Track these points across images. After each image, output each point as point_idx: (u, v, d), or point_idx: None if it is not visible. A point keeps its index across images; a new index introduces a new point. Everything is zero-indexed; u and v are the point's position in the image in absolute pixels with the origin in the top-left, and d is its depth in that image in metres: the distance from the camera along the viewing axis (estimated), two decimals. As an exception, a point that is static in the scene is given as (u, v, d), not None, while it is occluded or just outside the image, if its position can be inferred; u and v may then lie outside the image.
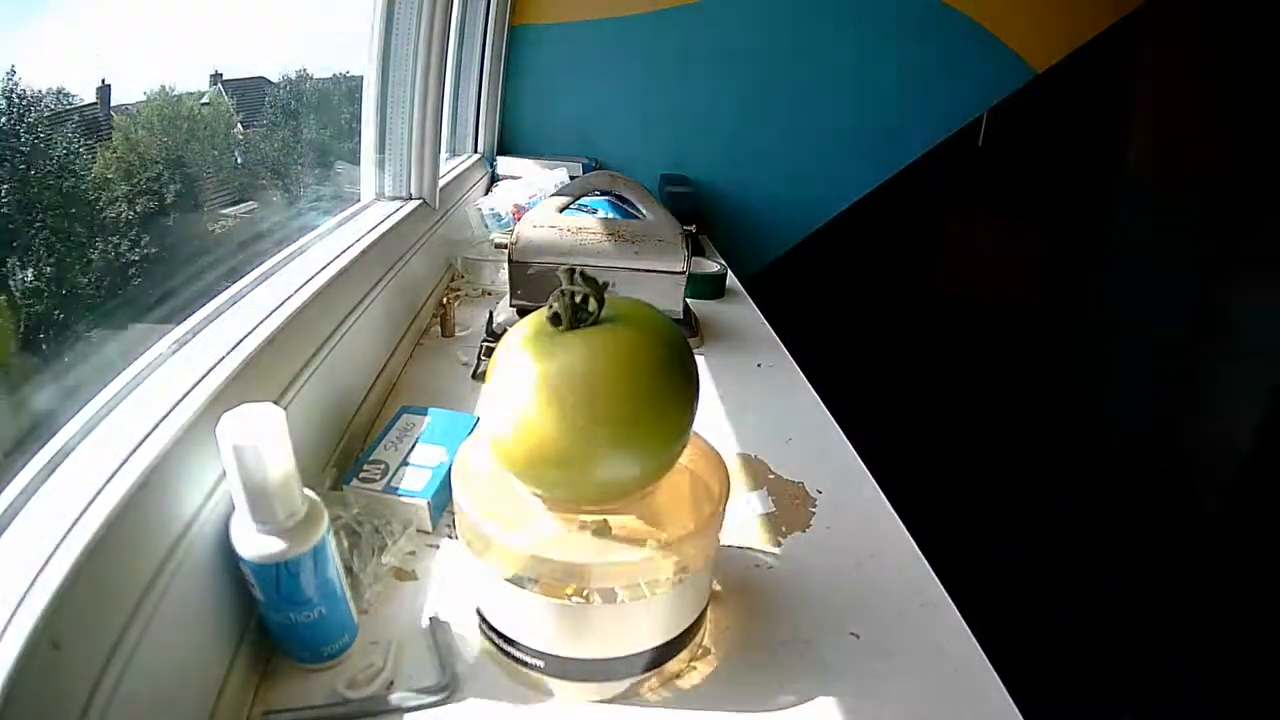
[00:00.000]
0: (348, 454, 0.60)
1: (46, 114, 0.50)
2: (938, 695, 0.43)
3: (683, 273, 0.87)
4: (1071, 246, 2.45)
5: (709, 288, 1.12)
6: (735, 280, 1.19)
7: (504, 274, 0.88)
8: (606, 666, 0.40)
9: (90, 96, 0.56)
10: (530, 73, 1.66)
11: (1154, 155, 2.21)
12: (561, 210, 0.88)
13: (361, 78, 0.92)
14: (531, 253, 0.85)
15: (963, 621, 0.48)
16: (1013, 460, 2.54)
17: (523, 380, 0.36)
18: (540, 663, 0.39)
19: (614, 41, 1.63)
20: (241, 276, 0.57)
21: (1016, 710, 0.41)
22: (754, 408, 0.77)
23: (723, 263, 1.23)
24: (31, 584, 0.26)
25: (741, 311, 1.08)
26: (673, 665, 0.42)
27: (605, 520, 0.38)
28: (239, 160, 0.79)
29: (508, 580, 0.38)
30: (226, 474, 0.35)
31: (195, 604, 0.35)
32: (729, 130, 1.70)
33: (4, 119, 0.46)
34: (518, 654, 0.40)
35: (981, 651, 0.46)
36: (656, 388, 0.36)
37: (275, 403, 0.36)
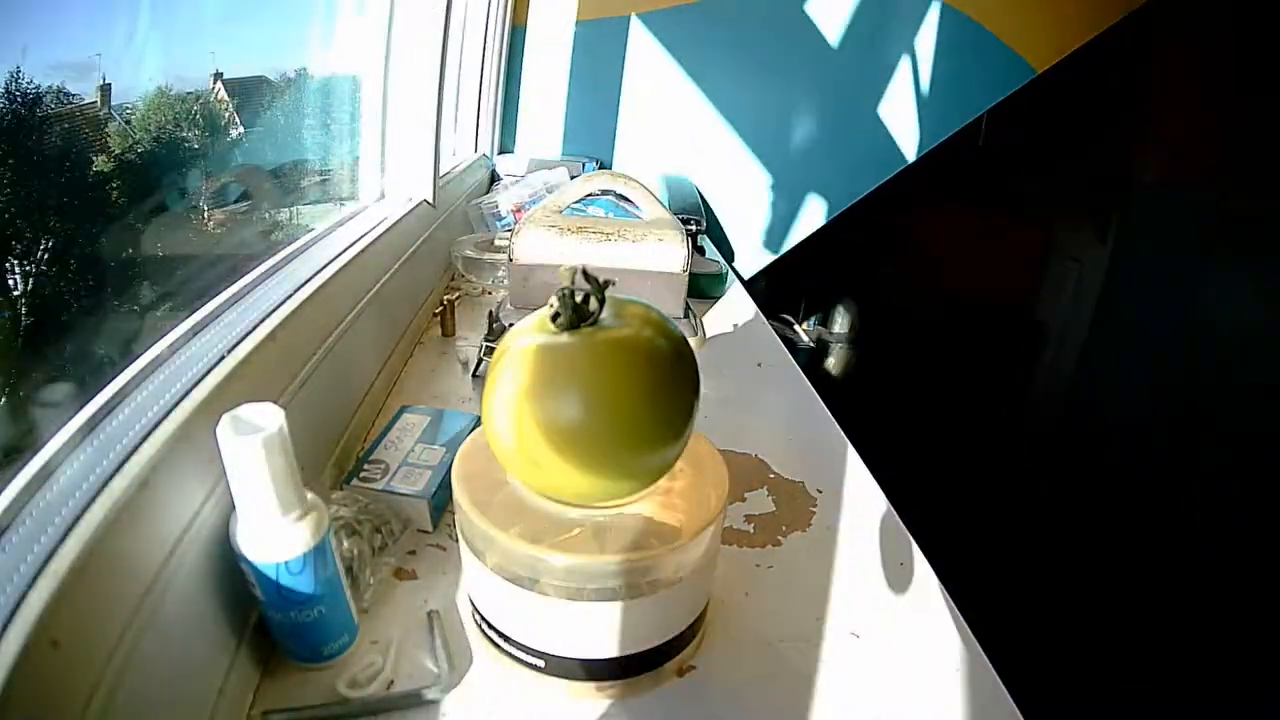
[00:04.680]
0: (348, 454, 0.60)
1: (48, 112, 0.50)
2: (938, 695, 0.43)
3: (683, 273, 0.86)
4: (1071, 246, 2.45)
5: (709, 287, 1.12)
6: (735, 280, 1.19)
7: (504, 274, 0.88)
8: (606, 666, 0.40)
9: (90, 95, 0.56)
10: (530, 73, 1.66)
11: (1154, 155, 2.21)
12: (561, 210, 0.88)
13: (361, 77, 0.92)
14: (532, 252, 0.85)
15: (963, 621, 0.48)
16: (1013, 460, 2.54)
17: (523, 380, 0.36)
18: (540, 662, 0.39)
19: (614, 41, 1.63)
20: (241, 275, 0.57)
21: (1017, 710, 0.41)
22: (754, 408, 0.77)
23: (723, 262, 1.23)
24: (31, 584, 0.26)
25: (741, 311, 1.08)
26: (672, 664, 0.42)
27: (605, 520, 0.38)
28: (239, 159, 0.79)
29: (508, 580, 0.38)
30: (226, 474, 0.35)
31: (195, 604, 0.35)
32: (729, 130, 1.70)
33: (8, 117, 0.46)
34: (518, 653, 0.40)
35: (982, 651, 0.46)
36: (657, 387, 0.36)
37: (275, 403, 0.36)
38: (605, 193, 0.96)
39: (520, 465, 0.38)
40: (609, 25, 1.62)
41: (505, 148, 1.71)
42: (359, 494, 0.52)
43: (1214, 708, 1.51)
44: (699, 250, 1.32)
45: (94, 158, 0.56)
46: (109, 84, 0.54)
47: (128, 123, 0.58)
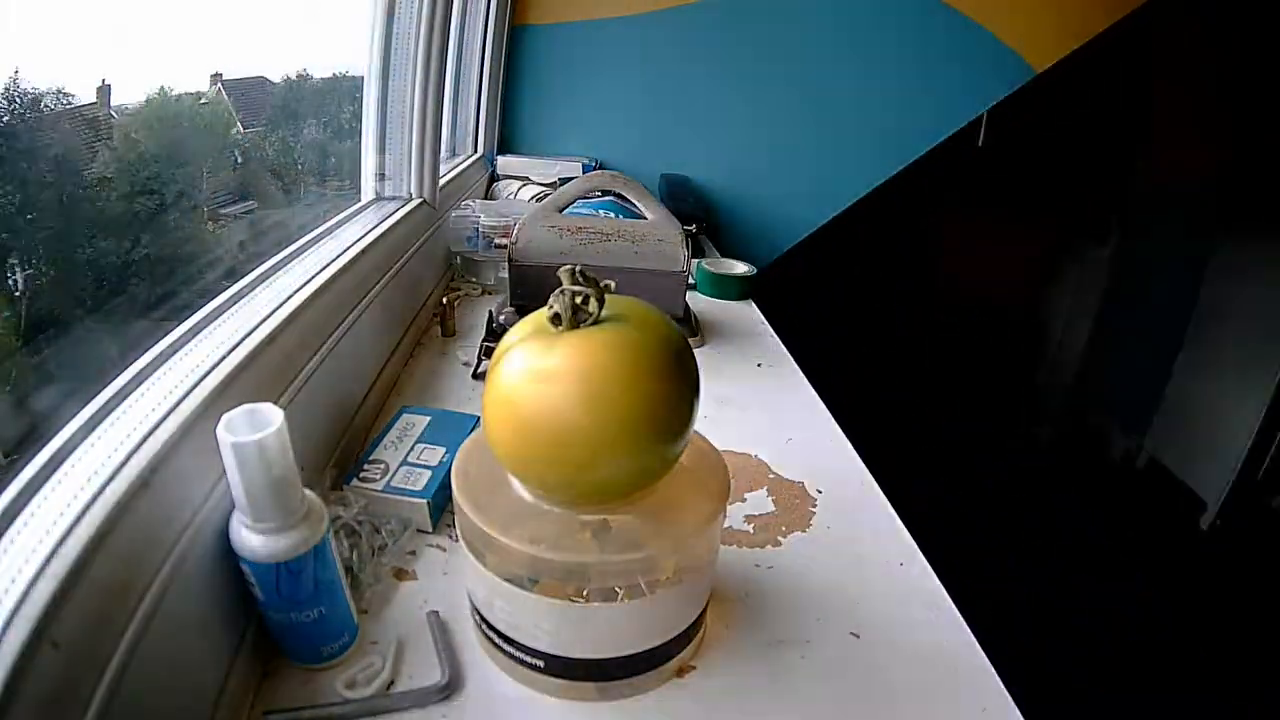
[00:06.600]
0: (348, 454, 0.60)
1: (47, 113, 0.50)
2: (938, 696, 0.43)
3: (683, 273, 0.87)
4: (1071, 246, 2.46)
5: (737, 289, 1.11)
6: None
7: (504, 274, 0.88)
8: (606, 666, 0.40)
9: (90, 96, 0.56)
10: (530, 73, 1.66)
11: (1154, 155, 2.21)
12: (561, 210, 0.88)
13: (361, 78, 0.92)
14: (531, 253, 0.85)
15: (963, 621, 0.48)
16: (1013, 460, 2.54)
17: (523, 380, 0.36)
18: (540, 662, 0.39)
19: (614, 41, 1.63)
20: (241, 276, 0.57)
21: (1017, 710, 0.41)
22: (754, 408, 0.77)
23: (749, 264, 1.20)
24: (31, 584, 0.26)
25: (741, 311, 1.08)
26: (672, 665, 0.42)
27: (605, 520, 0.38)
28: (239, 160, 0.79)
29: (507, 580, 0.38)
30: (226, 474, 0.35)
31: (195, 604, 0.35)
32: (729, 130, 1.70)
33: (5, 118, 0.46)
34: (517, 654, 0.40)
35: (982, 651, 0.46)
36: (657, 387, 0.36)
37: (275, 403, 0.36)
38: (605, 193, 0.96)
39: (520, 465, 0.38)
40: (609, 25, 1.62)
41: (505, 148, 1.71)
42: (359, 494, 0.52)
43: (1214, 707, 1.51)
44: (699, 250, 1.32)
45: (93, 159, 0.56)
46: (108, 84, 0.54)
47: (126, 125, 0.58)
